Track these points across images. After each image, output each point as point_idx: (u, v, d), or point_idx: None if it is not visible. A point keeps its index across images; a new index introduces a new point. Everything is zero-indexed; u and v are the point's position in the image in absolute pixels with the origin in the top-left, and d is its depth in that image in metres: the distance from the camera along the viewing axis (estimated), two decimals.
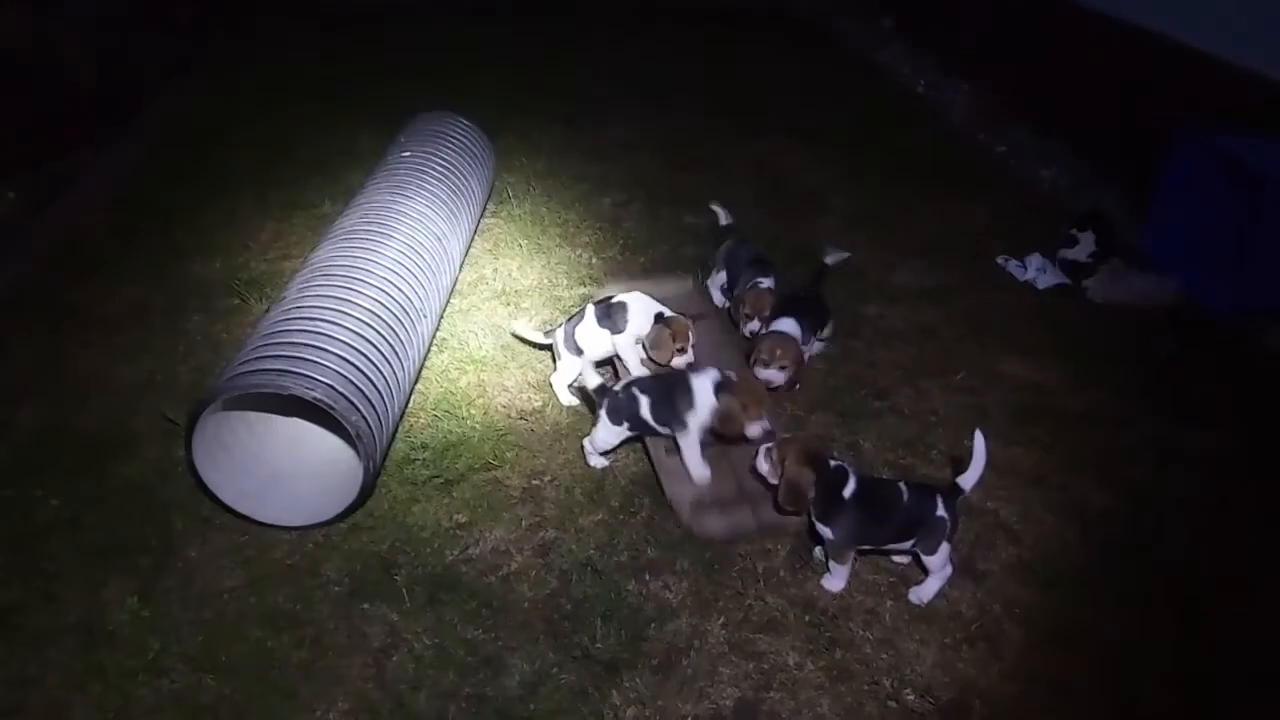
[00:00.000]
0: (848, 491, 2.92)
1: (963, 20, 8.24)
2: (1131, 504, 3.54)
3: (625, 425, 3.38)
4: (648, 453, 3.54)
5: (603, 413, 3.38)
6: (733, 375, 3.32)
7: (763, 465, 3.06)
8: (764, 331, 3.89)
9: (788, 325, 3.83)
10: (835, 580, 3.07)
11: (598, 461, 3.55)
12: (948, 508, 2.92)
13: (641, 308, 3.77)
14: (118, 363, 4.14)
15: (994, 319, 4.64)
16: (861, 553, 3.13)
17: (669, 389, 3.31)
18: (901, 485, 2.97)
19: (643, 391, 3.33)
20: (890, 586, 3.11)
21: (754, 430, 3.23)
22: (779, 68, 8.41)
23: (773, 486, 3.07)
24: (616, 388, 3.39)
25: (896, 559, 3.18)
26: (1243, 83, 5.11)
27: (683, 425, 3.30)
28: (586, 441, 3.53)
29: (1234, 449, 3.84)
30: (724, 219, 4.68)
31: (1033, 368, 4.26)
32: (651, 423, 3.34)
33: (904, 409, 3.96)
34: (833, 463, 2.97)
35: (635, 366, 3.80)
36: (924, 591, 3.04)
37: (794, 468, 2.94)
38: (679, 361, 3.68)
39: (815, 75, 8.23)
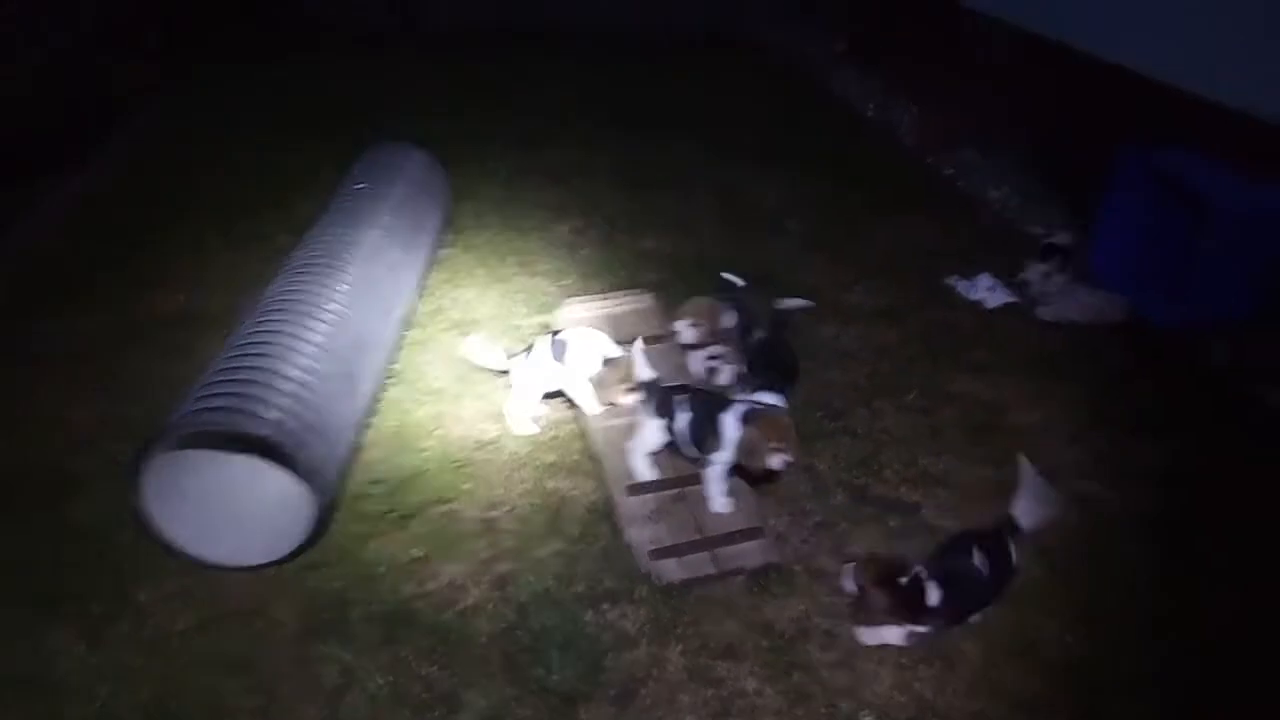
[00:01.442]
0: (932, 600, 2.87)
1: (911, 44, 8.41)
2: (1085, 518, 3.59)
3: (664, 424, 3.41)
4: (606, 486, 3.54)
5: (647, 404, 3.44)
6: (759, 407, 3.34)
7: (848, 585, 3.04)
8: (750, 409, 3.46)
9: (773, 400, 3.60)
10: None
11: (642, 469, 3.51)
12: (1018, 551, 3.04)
13: (588, 345, 3.73)
14: (71, 400, 4.06)
15: (946, 338, 4.71)
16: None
17: (706, 417, 3.32)
18: (974, 553, 2.98)
19: (689, 407, 3.37)
20: (848, 609, 3.12)
21: (775, 461, 3.22)
22: (734, 92, 8.50)
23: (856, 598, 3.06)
24: (668, 385, 3.47)
25: None
26: (1181, 104, 5.26)
27: (708, 460, 3.35)
28: (629, 445, 3.53)
29: (1182, 460, 3.92)
30: (739, 283, 4.45)
31: (984, 385, 4.33)
32: (686, 438, 3.37)
33: (858, 429, 4.00)
34: (904, 580, 2.90)
35: (585, 402, 3.79)
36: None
37: (872, 591, 2.92)
38: (626, 400, 3.61)
39: (770, 99, 8.34)
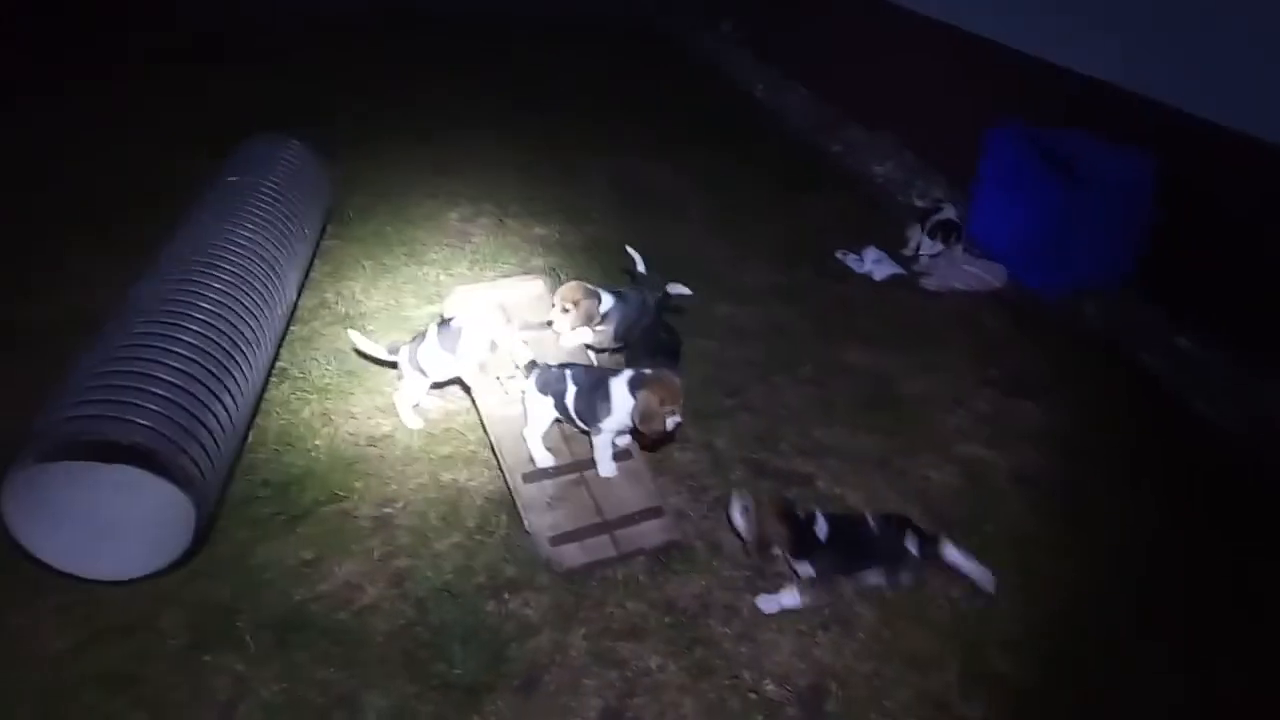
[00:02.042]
0: (821, 533, 3.08)
1: (797, 26, 8.54)
2: (970, 479, 3.73)
3: (551, 401, 3.42)
4: (504, 474, 3.50)
5: (532, 383, 3.45)
6: (647, 372, 3.36)
7: (739, 522, 3.19)
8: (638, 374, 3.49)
9: (619, 389, 3.44)
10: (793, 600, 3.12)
11: (540, 454, 3.50)
12: (919, 540, 3.15)
13: (478, 331, 3.67)
14: None
15: (838, 312, 4.82)
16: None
17: (593, 387, 3.36)
18: (868, 519, 3.18)
19: (574, 380, 3.39)
20: (747, 581, 3.17)
21: (670, 423, 3.28)
22: (627, 76, 8.50)
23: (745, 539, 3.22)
24: (551, 365, 3.49)
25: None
26: (1050, 77, 5.48)
27: (597, 428, 3.39)
28: (525, 432, 3.50)
29: (1061, 420, 4.11)
30: (639, 265, 4.40)
31: (874, 356, 4.45)
32: (572, 412, 3.40)
33: (756, 405, 4.06)
34: (801, 513, 3.14)
35: (478, 387, 3.74)
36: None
37: (769, 523, 3.09)
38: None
39: (663, 83, 8.37)
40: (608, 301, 3.98)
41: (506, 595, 3.07)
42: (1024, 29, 5.77)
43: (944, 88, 6.44)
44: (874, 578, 3.15)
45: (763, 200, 6.03)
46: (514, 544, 3.26)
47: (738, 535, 3.25)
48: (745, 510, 3.19)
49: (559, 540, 3.23)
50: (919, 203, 5.82)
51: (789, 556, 3.12)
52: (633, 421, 3.30)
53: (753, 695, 2.78)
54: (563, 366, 3.49)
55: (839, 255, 5.31)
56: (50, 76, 7.83)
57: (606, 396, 3.32)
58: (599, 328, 3.99)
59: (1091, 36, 5.26)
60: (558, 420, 3.53)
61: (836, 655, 2.93)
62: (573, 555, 3.20)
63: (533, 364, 3.53)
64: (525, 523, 3.31)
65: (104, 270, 4.81)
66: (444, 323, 3.70)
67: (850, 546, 3.13)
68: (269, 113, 6.61)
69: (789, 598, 3.06)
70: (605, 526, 3.30)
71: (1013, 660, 2.97)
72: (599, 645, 2.91)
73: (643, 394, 3.25)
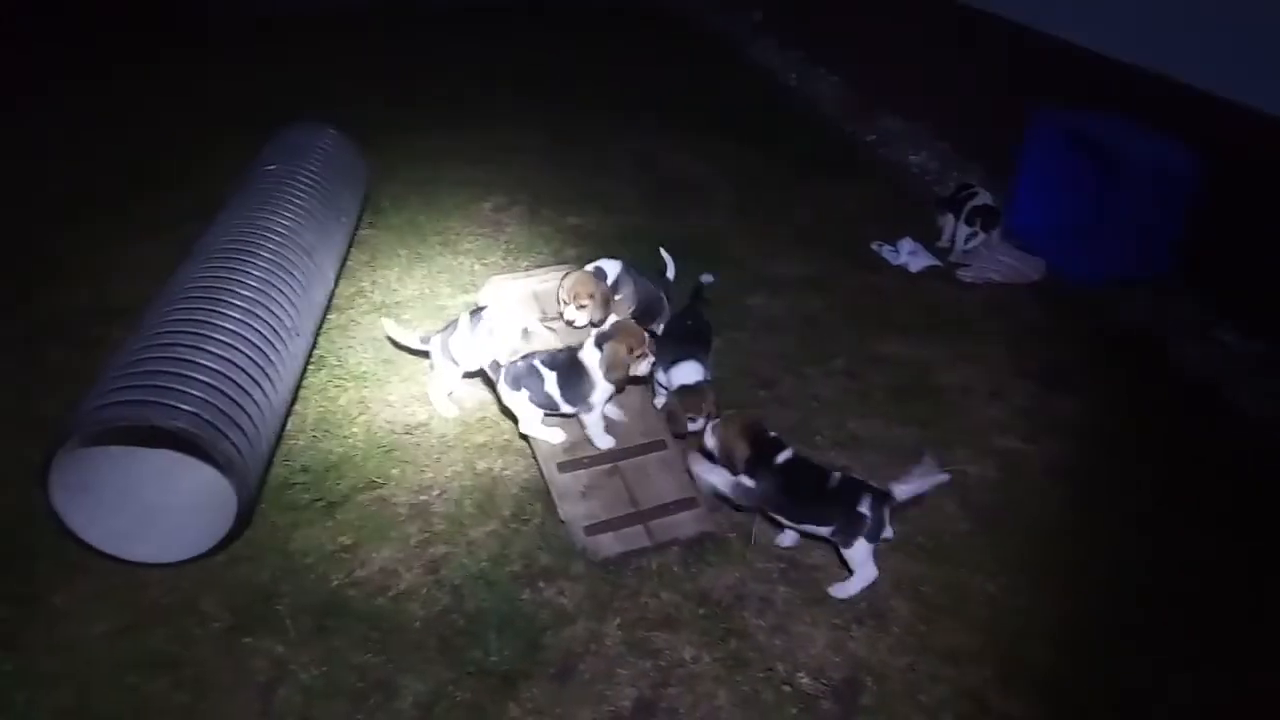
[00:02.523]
0: (780, 458, 3.09)
1: (827, 12, 8.46)
2: (1007, 472, 3.69)
3: (528, 395, 3.42)
4: (538, 463, 3.51)
5: (503, 383, 3.45)
6: (606, 326, 3.42)
7: (710, 441, 3.23)
8: (674, 383, 3.63)
9: (693, 370, 3.63)
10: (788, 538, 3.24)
11: (556, 435, 3.53)
12: (874, 507, 2.99)
13: (507, 321, 3.66)
14: None
15: (871, 303, 4.78)
16: (778, 524, 3.22)
17: (569, 367, 3.39)
18: (834, 474, 3.08)
19: (547, 366, 3.39)
20: (781, 573, 3.16)
21: (643, 367, 3.36)
22: (656, 65, 8.48)
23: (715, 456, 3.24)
24: (514, 359, 3.47)
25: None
26: (1092, 65, 5.39)
27: (587, 405, 3.42)
28: (524, 429, 3.53)
29: (1098, 414, 4.05)
30: (670, 270, 4.33)
31: (909, 347, 4.41)
32: (557, 399, 3.41)
33: (788, 397, 4.04)
34: (771, 434, 3.18)
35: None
36: (843, 588, 3.08)
37: (732, 438, 3.14)
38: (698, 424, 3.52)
39: (692, 71, 8.33)
40: (612, 270, 3.89)
41: (541, 584, 3.09)
42: (1062, 14, 5.67)
43: (981, 76, 6.35)
44: (821, 532, 3.12)
45: (795, 190, 5.99)
46: (549, 533, 3.28)
47: (708, 455, 3.25)
48: (715, 428, 3.23)
49: (594, 530, 3.24)
50: (946, 189, 5.72)
51: (744, 470, 3.13)
52: (604, 375, 3.35)
53: (787, 688, 2.78)
54: (527, 357, 3.45)
55: (874, 247, 5.26)
56: (85, 61, 7.96)
57: (583, 371, 3.36)
58: (617, 297, 3.89)
59: (1132, 22, 5.16)
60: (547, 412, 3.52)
61: (872, 649, 2.91)
62: (607, 545, 3.21)
63: (495, 364, 3.49)
64: (560, 512, 3.32)
65: (137, 256, 4.90)
66: (476, 312, 3.71)
67: (804, 490, 3.09)
68: (295, 101, 6.67)
69: (720, 477, 3.13)
70: (639, 516, 3.31)
71: (1051, 655, 2.94)
72: (633, 635, 2.92)
73: (609, 346, 3.30)
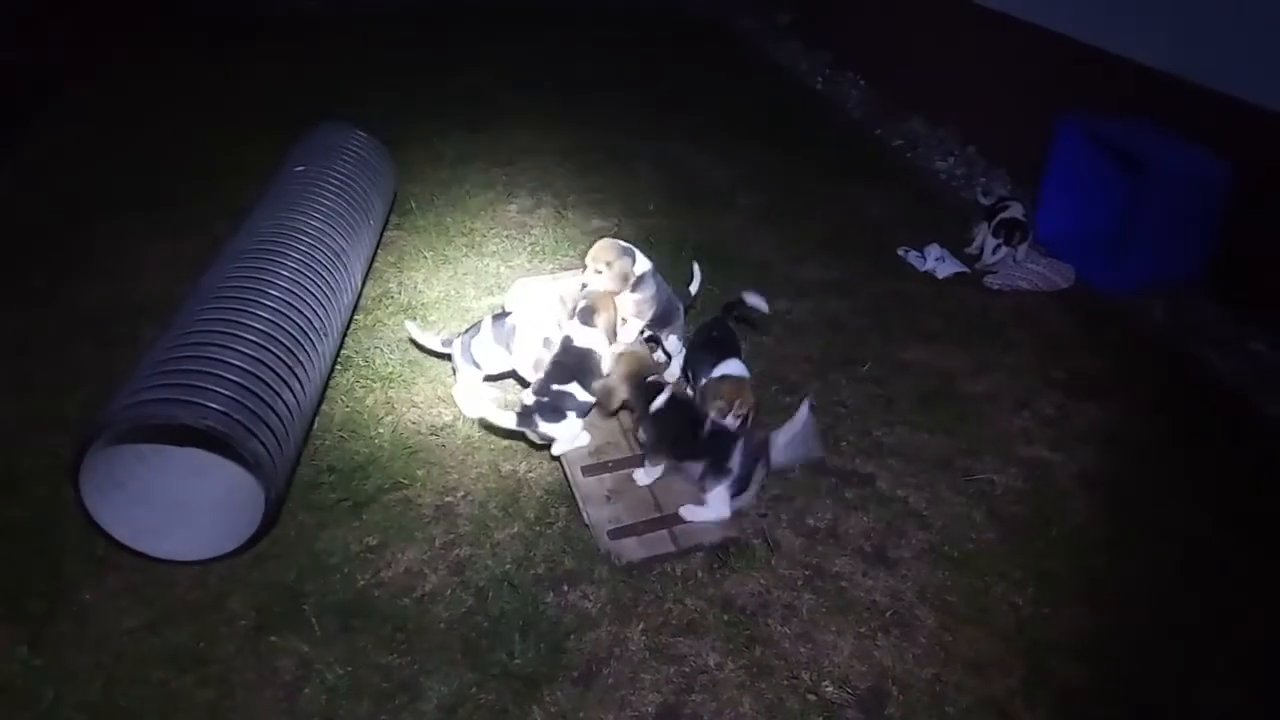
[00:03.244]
0: (654, 406, 3.31)
1: (855, 15, 8.43)
2: (1034, 482, 3.66)
3: (576, 423, 3.56)
4: (563, 466, 3.51)
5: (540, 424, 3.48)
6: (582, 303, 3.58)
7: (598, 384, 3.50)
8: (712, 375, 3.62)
9: (736, 367, 3.66)
10: (644, 476, 3.44)
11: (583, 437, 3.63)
12: (743, 459, 3.24)
13: (532, 329, 3.69)
14: (3, 396, 3.93)
15: (897, 309, 4.75)
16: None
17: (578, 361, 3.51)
18: (708, 420, 3.33)
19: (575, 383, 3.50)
20: (806, 580, 3.14)
21: (731, 423, 3.42)
22: (680, 67, 8.46)
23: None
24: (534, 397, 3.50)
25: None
26: (1120, 71, 5.34)
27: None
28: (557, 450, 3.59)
29: (1126, 423, 4.01)
30: (695, 283, 4.23)
31: (935, 354, 4.38)
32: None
33: (813, 402, 4.00)
34: (650, 378, 3.40)
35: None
36: (691, 511, 3.31)
37: (615, 379, 3.40)
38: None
39: (716, 73, 8.31)
40: (644, 263, 3.78)
41: (565, 587, 3.09)
42: (1091, 20, 5.62)
43: (1010, 81, 6.30)
44: (695, 471, 3.29)
45: (819, 193, 5.97)
46: (573, 536, 3.28)
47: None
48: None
49: (618, 534, 3.24)
50: (984, 200, 5.69)
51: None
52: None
53: (811, 696, 2.76)
54: (546, 390, 3.46)
55: (900, 252, 5.23)
56: (111, 60, 8.05)
57: (586, 358, 3.48)
58: (635, 295, 3.75)
59: (1162, 28, 5.10)
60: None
61: (897, 658, 2.89)
62: (631, 549, 3.20)
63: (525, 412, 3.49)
64: (584, 515, 3.32)
65: (167, 255, 4.96)
66: (499, 316, 3.72)
67: (678, 433, 3.32)
68: (318, 102, 6.71)
69: (641, 473, 3.41)
70: (663, 521, 3.30)
71: (1078, 666, 2.90)
72: (657, 640, 2.91)
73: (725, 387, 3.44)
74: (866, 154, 6.73)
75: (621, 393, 3.38)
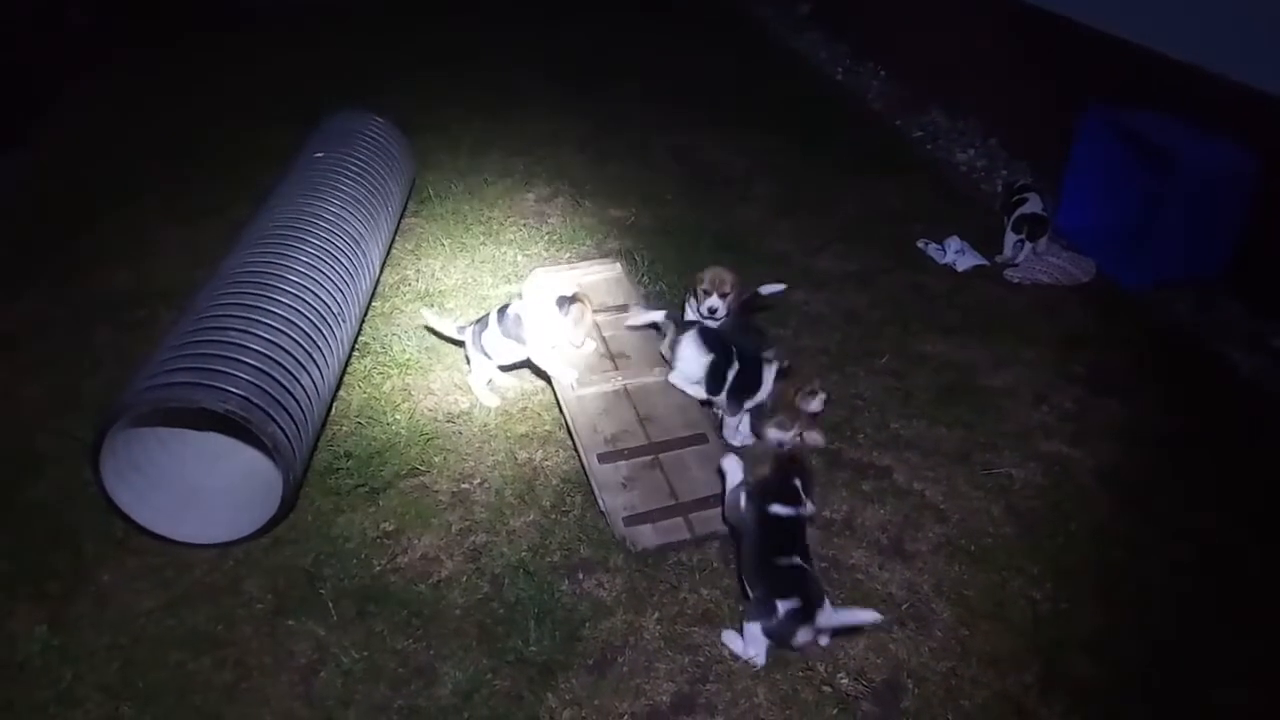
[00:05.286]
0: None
1: (875, 5, 8.35)
2: (1052, 477, 3.63)
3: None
4: (579, 454, 3.51)
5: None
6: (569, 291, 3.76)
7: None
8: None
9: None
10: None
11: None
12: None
13: (538, 318, 3.68)
14: (19, 381, 3.96)
15: (916, 301, 4.72)
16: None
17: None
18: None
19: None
20: (822, 572, 3.12)
21: (814, 405, 3.60)
22: (699, 56, 8.41)
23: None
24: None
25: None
26: (1144, 62, 5.27)
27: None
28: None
29: (1147, 419, 3.97)
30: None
31: (954, 347, 4.34)
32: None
33: (830, 394, 3.98)
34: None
35: (553, 370, 3.75)
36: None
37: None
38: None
39: (735, 63, 8.26)
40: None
41: (581, 575, 3.09)
42: (1115, 10, 5.54)
43: (1032, 73, 6.23)
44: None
45: (839, 185, 5.92)
46: (588, 524, 3.28)
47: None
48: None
49: (633, 521, 3.23)
50: (1009, 196, 5.63)
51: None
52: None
53: (826, 688, 2.75)
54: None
55: (920, 244, 5.19)
56: (129, 46, 8.09)
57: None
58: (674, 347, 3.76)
59: (1187, 18, 5.02)
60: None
61: (913, 652, 2.88)
62: (647, 537, 3.20)
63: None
64: (600, 503, 3.32)
65: (185, 240, 4.99)
66: (502, 310, 3.71)
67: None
68: (336, 88, 6.70)
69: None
70: (679, 509, 3.29)
71: (1094, 663, 2.88)
72: (672, 629, 2.91)
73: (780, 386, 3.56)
74: (886, 146, 6.68)
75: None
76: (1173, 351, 4.47)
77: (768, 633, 2.74)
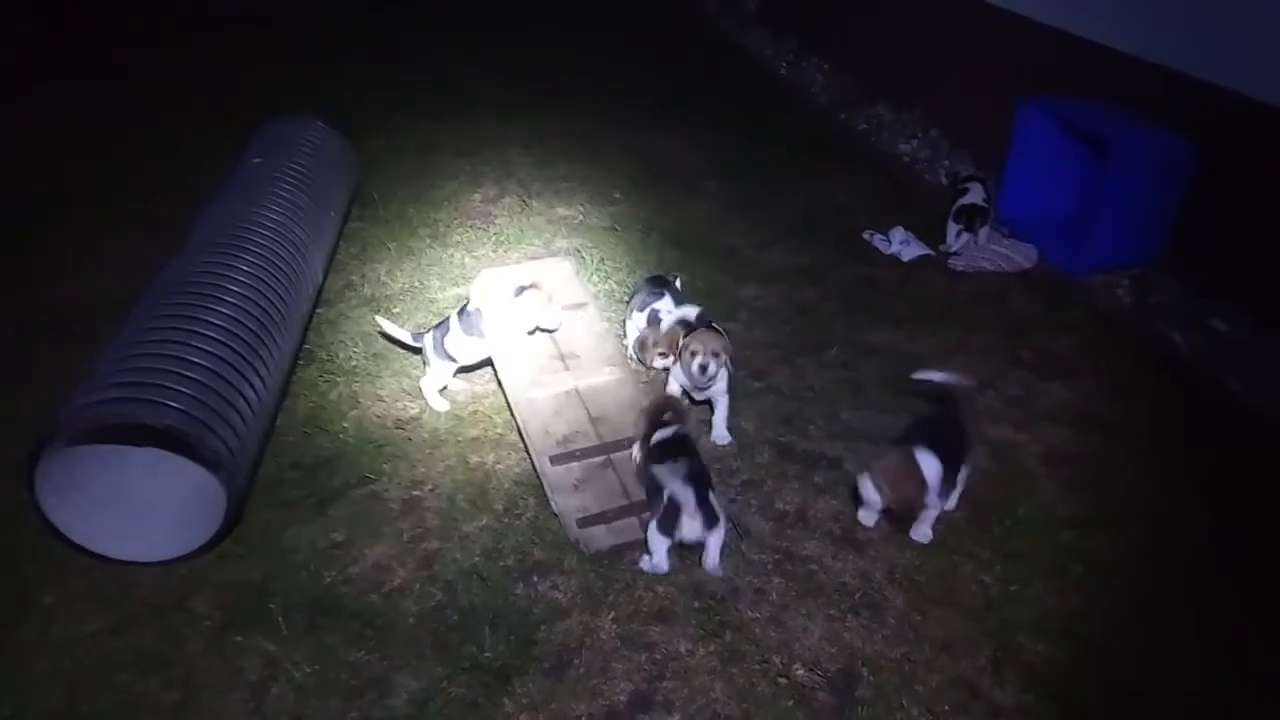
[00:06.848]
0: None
1: (820, 3, 8.42)
2: (1000, 461, 3.68)
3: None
4: (530, 457, 3.49)
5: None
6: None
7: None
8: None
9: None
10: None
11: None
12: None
13: (495, 311, 3.69)
14: None
15: (864, 293, 4.77)
16: None
17: None
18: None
19: None
20: (776, 565, 3.15)
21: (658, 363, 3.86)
22: (646, 53, 8.42)
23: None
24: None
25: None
26: (1081, 52, 5.37)
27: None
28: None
29: (1092, 402, 4.05)
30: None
31: (902, 338, 4.40)
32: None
33: (782, 387, 4.03)
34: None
35: (511, 369, 3.73)
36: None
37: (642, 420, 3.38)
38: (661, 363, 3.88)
39: (683, 60, 8.29)
40: (692, 314, 3.92)
41: (535, 578, 3.07)
42: (1054, 3, 5.65)
43: (973, 65, 6.33)
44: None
45: (786, 179, 5.97)
46: (542, 526, 3.26)
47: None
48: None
49: (587, 522, 3.22)
50: (944, 182, 5.71)
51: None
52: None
53: (783, 680, 2.77)
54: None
55: (866, 236, 5.25)
56: (75, 56, 7.89)
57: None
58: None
59: (1124, 11, 5.14)
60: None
61: (867, 640, 2.91)
62: (601, 537, 3.19)
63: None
64: (552, 505, 3.30)
65: (129, 251, 4.86)
66: (462, 310, 3.69)
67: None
68: (282, 94, 6.60)
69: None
70: (633, 509, 3.28)
71: (1045, 644, 2.93)
72: (628, 629, 2.91)
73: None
74: (832, 139, 6.74)
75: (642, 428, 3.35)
76: (1115, 334, 4.56)
77: (661, 528, 2.97)
